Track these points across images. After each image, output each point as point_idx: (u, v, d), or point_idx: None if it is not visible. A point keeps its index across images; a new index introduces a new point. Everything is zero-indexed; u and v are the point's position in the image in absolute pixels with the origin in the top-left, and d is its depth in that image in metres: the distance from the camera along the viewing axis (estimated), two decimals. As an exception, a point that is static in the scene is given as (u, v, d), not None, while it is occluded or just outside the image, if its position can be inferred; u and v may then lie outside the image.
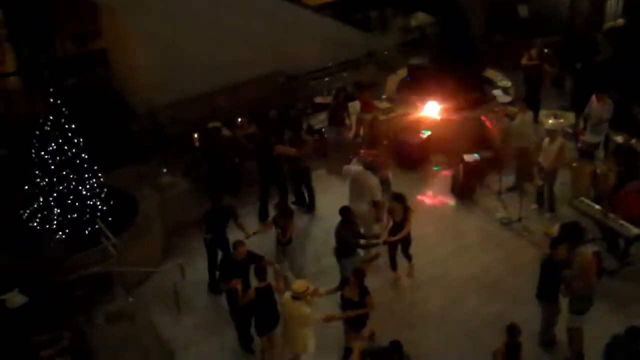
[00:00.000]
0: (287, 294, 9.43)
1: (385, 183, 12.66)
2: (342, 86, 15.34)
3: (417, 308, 11.38)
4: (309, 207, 13.55)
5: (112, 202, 12.28)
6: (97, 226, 11.62)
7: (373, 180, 11.90)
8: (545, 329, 10.28)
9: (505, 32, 18.69)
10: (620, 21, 18.95)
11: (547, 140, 12.76)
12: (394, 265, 11.84)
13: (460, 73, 14.80)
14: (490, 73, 16.36)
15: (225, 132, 13.97)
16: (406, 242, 11.61)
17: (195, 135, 14.24)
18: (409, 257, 11.84)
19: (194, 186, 13.59)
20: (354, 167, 12.17)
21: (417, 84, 15.11)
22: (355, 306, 9.64)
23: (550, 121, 14.14)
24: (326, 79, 16.43)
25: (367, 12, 18.35)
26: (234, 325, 10.60)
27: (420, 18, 19.05)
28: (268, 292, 9.70)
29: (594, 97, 13.79)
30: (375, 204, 11.84)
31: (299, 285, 9.38)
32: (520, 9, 18.92)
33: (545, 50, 15.64)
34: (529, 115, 13.59)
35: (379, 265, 11.90)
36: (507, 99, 15.26)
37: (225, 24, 15.54)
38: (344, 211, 10.95)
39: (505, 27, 18.79)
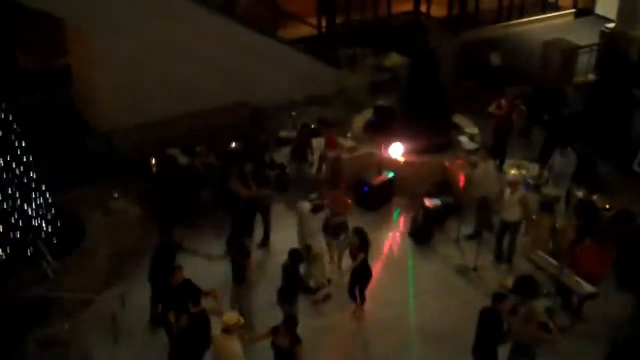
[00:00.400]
0: (219, 329, 9.08)
1: (342, 227, 12.35)
2: (306, 122, 15.10)
3: (363, 352, 11.08)
4: (263, 242, 13.24)
5: (58, 224, 11.89)
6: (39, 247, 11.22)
7: (313, 223, 11.83)
8: None
9: (477, 79, 18.73)
10: (591, 77, 19.09)
11: (508, 191, 12.57)
12: (353, 298, 11.60)
13: (426, 116, 14.71)
14: (459, 119, 16.30)
15: (183, 159, 13.68)
16: (364, 279, 11.37)
17: (153, 161, 13.88)
18: (363, 298, 11.57)
19: (146, 213, 13.19)
20: (304, 205, 11.97)
21: (383, 125, 14.88)
22: (285, 355, 9.24)
23: (513, 172, 14.05)
24: (293, 113, 16.18)
25: (339, 49, 18.23)
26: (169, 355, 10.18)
27: (394, 59, 18.98)
28: (202, 318, 9.36)
29: (557, 150, 13.72)
30: (307, 248, 11.65)
31: (229, 317, 9.01)
32: (492, 57, 19.00)
33: (515, 100, 15.63)
34: (491, 164, 13.41)
35: (331, 306, 11.71)
36: (472, 146, 15.11)
37: (198, 51, 15.40)
38: (291, 253, 10.72)
39: (476, 74, 18.83)
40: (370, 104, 16.03)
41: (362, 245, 11.08)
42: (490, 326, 9.55)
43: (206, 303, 9.81)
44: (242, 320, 9.03)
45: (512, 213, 12.39)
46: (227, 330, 8.88)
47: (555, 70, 18.44)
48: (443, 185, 14.51)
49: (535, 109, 17.27)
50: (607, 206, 13.58)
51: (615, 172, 15.19)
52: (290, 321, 9.40)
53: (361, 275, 11.28)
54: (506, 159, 15.48)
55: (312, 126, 15.04)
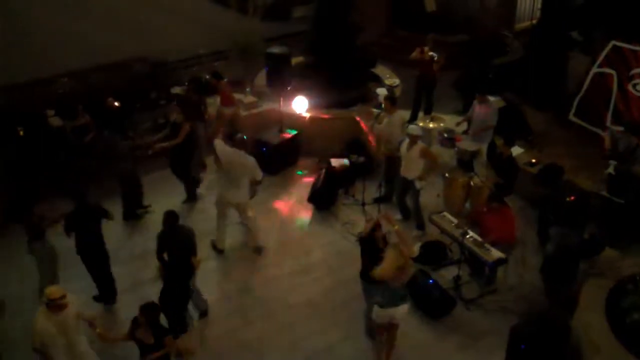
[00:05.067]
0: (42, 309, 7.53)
1: None
2: (195, 77, 13.43)
3: (236, 336, 9.58)
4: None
5: None
6: None
7: (250, 159, 10.31)
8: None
9: (411, 27, 17.11)
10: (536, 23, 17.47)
11: (405, 145, 10.91)
12: None
13: (335, 66, 13.12)
14: (379, 69, 14.72)
15: (55, 121, 12.10)
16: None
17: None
18: None
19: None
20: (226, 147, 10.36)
21: (278, 76, 13.02)
22: (151, 349, 7.76)
23: (431, 125, 12.47)
24: (195, 68, 14.57)
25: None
26: None
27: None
28: None
29: (476, 101, 12.17)
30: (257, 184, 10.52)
31: (53, 290, 7.47)
32: (427, 3, 17.34)
33: (435, 56, 13.94)
34: (398, 115, 11.75)
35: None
36: (391, 97, 13.51)
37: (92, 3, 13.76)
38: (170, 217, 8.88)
39: (410, 22, 17.21)
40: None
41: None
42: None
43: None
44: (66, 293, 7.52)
45: (411, 169, 10.83)
46: (53, 306, 7.41)
47: (494, 16, 16.77)
48: (355, 143, 12.99)
49: (471, 58, 15.77)
50: (534, 160, 12.09)
51: (551, 123, 13.62)
52: (148, 309, 7.69)
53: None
54: (432, 111, 14.03)
55: (203, 81, 13.35)
